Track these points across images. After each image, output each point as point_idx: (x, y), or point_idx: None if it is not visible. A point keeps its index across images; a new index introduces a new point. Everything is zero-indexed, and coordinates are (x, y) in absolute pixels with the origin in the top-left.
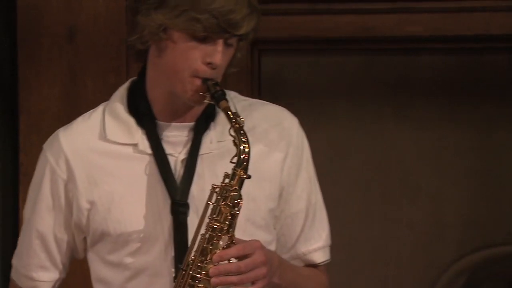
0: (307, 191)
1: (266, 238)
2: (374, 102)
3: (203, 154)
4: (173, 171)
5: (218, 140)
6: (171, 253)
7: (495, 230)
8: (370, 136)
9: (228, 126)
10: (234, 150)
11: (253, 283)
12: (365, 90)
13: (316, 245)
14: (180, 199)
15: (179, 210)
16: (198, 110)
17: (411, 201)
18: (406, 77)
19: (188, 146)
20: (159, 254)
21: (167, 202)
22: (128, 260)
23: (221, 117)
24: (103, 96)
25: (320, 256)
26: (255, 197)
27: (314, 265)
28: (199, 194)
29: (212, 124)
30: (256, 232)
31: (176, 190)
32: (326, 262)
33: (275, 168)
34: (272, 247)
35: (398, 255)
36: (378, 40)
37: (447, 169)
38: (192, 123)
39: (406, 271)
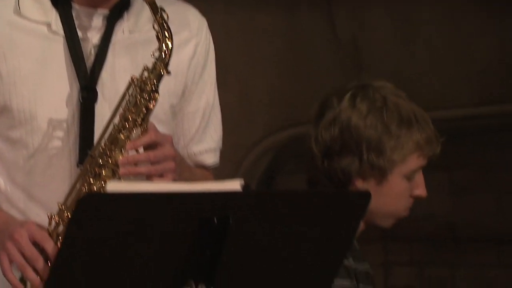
0: (206, 92)
1: (165, 133)
2: None
3: (114, 43)
4: (85, 56)
5: (130, 30)
6: (73, 136)
7: (301, 109)
8: None
9: (142, 18)
10: (145, 43)
11: (161, 175)
12: None
13: (208, 146)
14: (88, 84)
15: (87, 95)
16: None
17: (220, 83)
18: None
19: (101, 33)
20: (61, 136)
21: (75, 86)
22: (28, 138)
23: (135, 8)
24: None
25: (211, 157)
26: (159, 92)
27: (203, 167)
28: (108, 81)
29: (125, 14)
30: (157, 126)
31: (86, 75)
32: (215, 165)
33: (182, 65)
34: None
35: None
36: None
37: (255, 50)
38: (106, 11)
39: None
